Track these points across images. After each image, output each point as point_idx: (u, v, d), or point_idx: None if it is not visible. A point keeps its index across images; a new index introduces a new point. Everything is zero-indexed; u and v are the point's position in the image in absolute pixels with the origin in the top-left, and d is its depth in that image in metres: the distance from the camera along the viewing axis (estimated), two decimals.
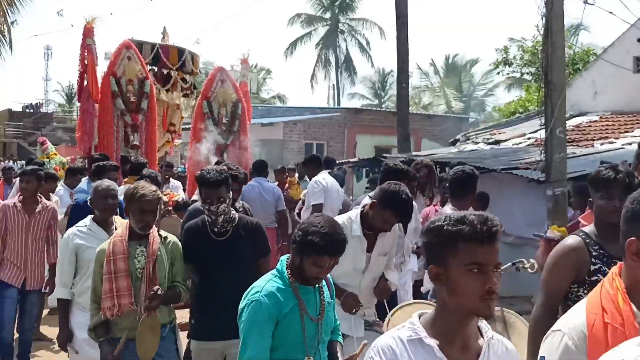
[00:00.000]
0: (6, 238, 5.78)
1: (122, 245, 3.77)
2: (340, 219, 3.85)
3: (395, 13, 15.41)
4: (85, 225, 4.33)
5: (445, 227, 1.79)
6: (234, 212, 4.15)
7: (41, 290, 6.01)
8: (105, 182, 4.48)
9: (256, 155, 11.93)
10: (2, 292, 5.81)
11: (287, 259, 3.02)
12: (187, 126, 15.96)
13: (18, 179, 10.05)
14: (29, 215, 5.81)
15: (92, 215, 4.42)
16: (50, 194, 7.26)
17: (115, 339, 3.77)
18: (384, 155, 14.12)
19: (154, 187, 3.89)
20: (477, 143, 14.04)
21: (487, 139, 13.99)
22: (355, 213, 4.10)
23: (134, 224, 3.80)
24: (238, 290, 3.16)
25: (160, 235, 3.92)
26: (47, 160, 10.26)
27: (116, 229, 4.31)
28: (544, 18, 7.57)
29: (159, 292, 3.69)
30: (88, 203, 4.69)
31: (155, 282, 3.74)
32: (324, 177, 7.47)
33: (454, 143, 15.61)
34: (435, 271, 1.83)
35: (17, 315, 5.99)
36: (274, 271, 3.05)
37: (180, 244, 4.05)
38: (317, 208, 7.04)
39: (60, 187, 7.74)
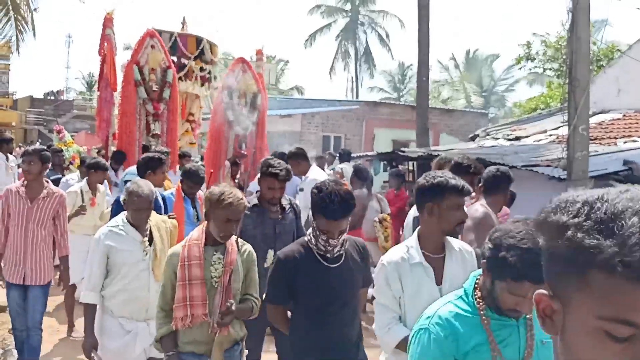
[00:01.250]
0: (8, 227, 5.28)
1: (199, 251, 3.42)
2: (398, 252, 3.07)
3: (417, 4, 15.28)
4: (118, 225, 4.12)
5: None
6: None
7: (45, 286, 5.44)
8: (142, 188, 4.08)
9: (273, 147, 11.93)
10: (8, 291, 5.44)
11: (479, 275, 2.26)
12: (206, 116, 16.03)
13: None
14: (32, 201, 5.25)
15: (126, 213, 4.19)
16: (99, 184, 7.08)
17: (184, 353, 3.43)
18: (402, 149, 14.04)
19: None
20: (497, 139, 13.93)
21: (508, 135, 13.88)
22: (411, 239, 3.13)
23: (215, 232, 3.43)
24: (352, 326, 3.12)
25: (236, 243, 3.60)
26: (65, 148, 10.32)
27: (151, 230, 4.19)
28: (570, 13, 7.47)
29: (233, 308, 3.36)
30: (121, 201, 4.39)
31: (230, 293, 3.44)
32: (315, 176, 6.78)
33: (473, 138, 15.50)
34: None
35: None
36: (458, 290, 2.31)
37: (254, 253, 3.68)
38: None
39: (75, 176, 7.74)
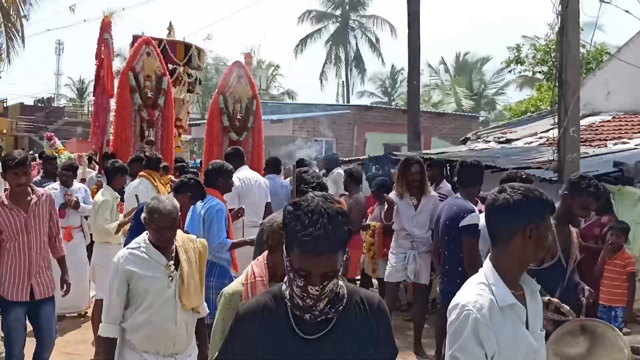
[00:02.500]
0: (4, 243, 4.77)
1: (264, 289, 2.73)
2: (480, 293, 2.34)
3: (407, 9, 15.37)
4: (139, 247, 3.65)
5: None
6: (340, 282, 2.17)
7: (53, 297, 5.10)
8: (164, 204, 3.62)
9: (265, 152, 11.96)
10: (6, 314, 4.87)
11: None
12: (194, 122, 16.05)
13: (33, 171, 10.15)
14: (26, 211, 4.80)
15: (148, 234, 3.71)
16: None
17: None
18: (394, 152, 14.11)
19: None
20: (488, 142, 14.03)
21: (499, 138, 13.98)
22: (487, 273, 2.41)
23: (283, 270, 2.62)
24: None
25: None
26: (57, 154, 10.29)
27: (177, 251, 3.72)
28: (559, 16, 7.56)
29: None
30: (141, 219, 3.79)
31: None
32: (239, 176, 6.75)
33: (464, 141, 15.59)
34: None
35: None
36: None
37: None
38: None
39: (57, 185, 7.70)
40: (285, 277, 2.13)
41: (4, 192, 4.89)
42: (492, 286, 2.34)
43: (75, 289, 7.42)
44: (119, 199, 6.73)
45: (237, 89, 9.97)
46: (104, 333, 3.66)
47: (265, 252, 3.00)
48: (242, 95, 10.04)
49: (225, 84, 10.01)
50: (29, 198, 4.83)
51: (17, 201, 4.78)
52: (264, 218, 7.43)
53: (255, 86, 10.68)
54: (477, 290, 2.34)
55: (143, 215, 3.66)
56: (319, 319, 2.06)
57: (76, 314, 7.81)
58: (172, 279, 3.65)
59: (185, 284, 3.68)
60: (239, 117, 10.01)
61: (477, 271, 2.47)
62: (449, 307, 2.38)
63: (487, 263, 2.44)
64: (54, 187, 7.35)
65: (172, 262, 3.66)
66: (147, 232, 3.70)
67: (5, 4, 14.59)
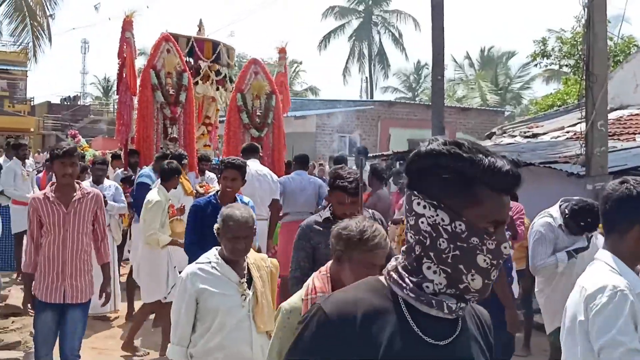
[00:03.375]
0: (42, 240, 4.57)
1: None
2: (613, 277, 2.30)
3: (430, 3, 15.23)
4: (209, 262, 3.36)
5: None
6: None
7: (85, 305, 4.76)
8: (240, 211, 3.37)
9: (289, 148, 11.97)
10: (38, 315, 4.65)
11: None
12: (223, 119, 16.12)
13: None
14: (67, 206, 4.57)
15: (219, 248, 3.42)
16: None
17: None
18: None
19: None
20: (514, 136, 13.85)
21: (525, 133, 13.79)
22: (611, 261, 2.38)
23: (351, 281, 2.46)
24: None
25: None
26: (82, 152, 10.36)
27: (249, 268, 3.43)
28: (585, 8, 7.42)
29: None
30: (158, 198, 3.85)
31: None
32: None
33: (489, 136, 15.42)
34: None
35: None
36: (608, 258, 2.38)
37: None
38: None
39: (88, 183, 7.73)
40: (404, 264, 1.49)
41: (51, 185, 4.69)
42: (621, 274, 2.30)
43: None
44: (170, 201, 6.56)
45: (255, 85, 9.98)
46: (172, 356, 3.39)
47: (329, 263, 2.70)
48: (260, 92, 10.05)
49: (242, 81, 10.02)
50: (74, 194, 4.62)
51: (60, 195, 4.58)
52: (271, 214, 7.49)
53: (278, 80, 10.67)
54: (615, 276, 2.30)
55: (216, 225, 3.38)
56: (453, 315, 1.46)
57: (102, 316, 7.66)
58: (245, 298, 3.34)
59: (259, 303, 3.37)
60: (258, 113, 10.03)
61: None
62: (590, 292, 2.29)
63: (605, 252, 2.42)
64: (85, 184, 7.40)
65: (244, 279, 3.37)
66: (216, 247, 3.42)
67: (31, 3, 14.74)
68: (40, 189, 10.19)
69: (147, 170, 7.73)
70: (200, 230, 4.83)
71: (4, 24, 18.57)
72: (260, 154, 9.88)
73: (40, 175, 11.16)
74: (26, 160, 9.98)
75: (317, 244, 3.78)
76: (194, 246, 4.79)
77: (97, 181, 7.61)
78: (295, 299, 2.72)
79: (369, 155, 12.22)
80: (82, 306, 4.69)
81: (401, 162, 14.34)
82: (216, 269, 3.33)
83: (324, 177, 10.68)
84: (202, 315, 3.32)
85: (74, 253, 4.60)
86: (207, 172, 9.60)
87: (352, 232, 2.59)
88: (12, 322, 7.43)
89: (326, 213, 3.95)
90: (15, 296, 8.05)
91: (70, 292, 4.58)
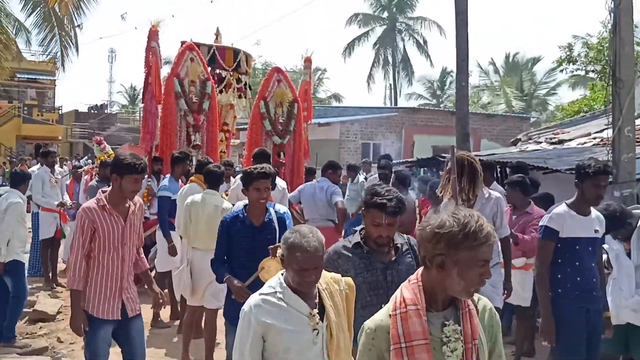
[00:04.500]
0: (94, 254, 4.25)
1: (420, 322, 2.14)
2: None
3: (454, 9, 15.19)
4: (275, 292, 2.89)
5: None
6: None
7: (141, 313, 4.63)
8: (308, 239, 2.84)
9: (312, 155, 12.00)
10: (94, 333, 4.31)
11: None
12: (241, 126, 16.21)
13: (87, 176, 10.40)
14: (124, 219, 4.32)
15: (284, 273, 2.95)
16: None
17: None
18: (443, 155, 13.93)
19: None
20: (540, 143, 13.71)
21: (550, 139, 13.64)
22: None
23: (457, 285, 2.15)
24: None
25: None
26: (109, 158, 10.45)
27: (320, 296, 2.95)
28: (611, 13, 7.34)
29: None
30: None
31: None
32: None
33: (515, 143, 15.30)
34: None
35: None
36: None
37: (495, 312, 2.37)
38: None
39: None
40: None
41: (102, 193, 4.35)
42: None
43: None
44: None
45: (278, 93, 10.05)
46: None
47: (420, 270, 2.27)
48: (282, 100, 10.10)
49: (265, 89, 10.09)
50: (127, 205, 4.35)
51: (117, 208, 4.29)
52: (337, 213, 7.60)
53: (303, 88, 10.73)
54: None
55: (280, 252, 2.95)
56: None
57: None
58: (317, 332, 2.89)
59: (334, 337, 2.92)
60: (280, 120, 10.09)
61: None
62: None
63: None
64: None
65: (316, 310, 2.90)
66: (282, 272, 2.97)
67: (59, 14, 14.97)
68: (69, 197, 10.35)
69: (165, 181, 7.70)
70: (228, 248, 4.62)
71: (33, 34, 18.93)
72: (282, 160, 9.94)
73: (68, 182, 11.31)
74: (55, 168, 10.11)
75: (345, 272, 3.38)
76: (219, 265, 4.66)
77: None
78: (380, 316, 2.28)
79: (392, 162, 12.20)
80: (140, 316, 4.56)
81: (425, 168, 14.28)
82: (282, 300, 2.86)
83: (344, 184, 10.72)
84: (270, 354, 2.89)
85: (130, 267, 4.45)
86: (232, 178, 9.66)
87: (454, 229, 2.10)
88: (40, 327, 7.54)
89: (356, 237, 3.58)
90: (43, 302, 8.17)
91: (129, 305, 4.41)
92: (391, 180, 8.49)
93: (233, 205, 5.43)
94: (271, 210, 4.73)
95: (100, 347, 4.31)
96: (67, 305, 8.46)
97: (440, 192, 5.37)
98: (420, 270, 2.27)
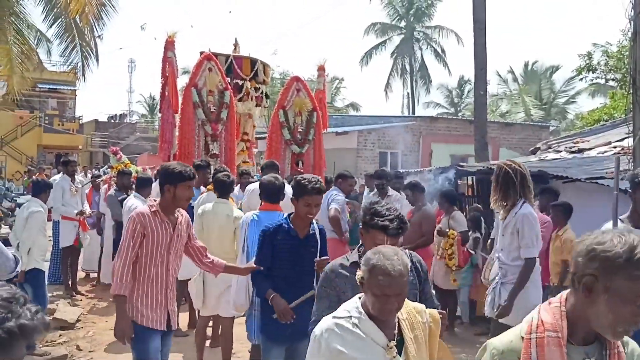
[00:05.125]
0: (141, 260, 4.16)
1: (560, 352, 1.86)
2: None
3: (472, 18, 15.16)
4: (350, 317, 2.61)
5: None
6: None
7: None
8: (392, 262, 2.50)
9: (330, 164, 12.00)
10: (145, 343, 4.19)
11: None
12: (260, 135, 16.27)
13: (106, 185, 10.47)
14: (173, 227, 4.29)
15: (362, 297, 2.66)
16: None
17: None
18: (461, 164, 13.88)
19: None
20: (559, 152, 13.60)
21: (570, 148, 13.53)
22: None
23: (605, 324, 1.84)
24: None
25: None
26: (126, 168, 10.52)
27: (399, 326, 2.66)
28: (631, 21, 7.28)
29: None
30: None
31: None
32: (250, 187, 7.00)
33: (534, 152, 15.19)
34: None
35: None
36: None
37: None
38: None
39: (134, 197, 7.85)
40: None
41: (154, 201, 4.34)
42: None
43: None
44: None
45: (297, 102, 10.08)
46: None
47: (564, 293, 1.97)
48: (302, 109, 10.14)
49: (284, 98, 10.14)
50: (176, 215, 4.33)
51: (169, 216, 4.26)
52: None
53: (317, 97, 10.76)
54: None
55: (360, 274, 2.60)
56: None
57: None
58: None
59: None
60: (299, 130, 10.12)
61: None
62: None
63: None
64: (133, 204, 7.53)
65: (394, 342, 2.61)
66: (359, 295, 2.69)
67: (80, 24, 15.15)
68: (89, 206, 10.44)
69: None
70: (271, 260, 4.36)
71: (54, 45, 19.17)
72: (301, 169, 9.96)
73: (87, 191, 11.42)
74: (76, 176, 10.21)
75: (344, 292, 3.18)
76: (262, 279, 4.40)
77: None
78: (510, 337, 1.99)
79: (406, 172, 12.15)
80: (171, 333, 4.48)
81: (446, 177, 14.22)
82: (358, 327, 2.59)
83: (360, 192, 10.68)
84: None
85: (174, 277, 4.38)
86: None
87: (616, 250, 1.77)
88: (60, 335, 7.59)
89: (354, 255, 3.33)
90: (63, 310, 8.23)
91: (173, 318, 4.34)
92: (407, 191, 8.42)
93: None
94: (314, 222, 4.52)
95: (152, 358, 4.20)
96: (87, 313, 8.54)
97: (492, 205, 5.15)
98: (564, 293, 1.97)
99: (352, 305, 2.65)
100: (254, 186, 6.86)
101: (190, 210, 7.10)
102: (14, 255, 4.42)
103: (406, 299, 2.67)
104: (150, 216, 4.16)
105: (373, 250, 2.60)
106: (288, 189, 7.33)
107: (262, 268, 4.37)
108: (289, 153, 9.76)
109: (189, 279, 7.34)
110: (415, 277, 3.32)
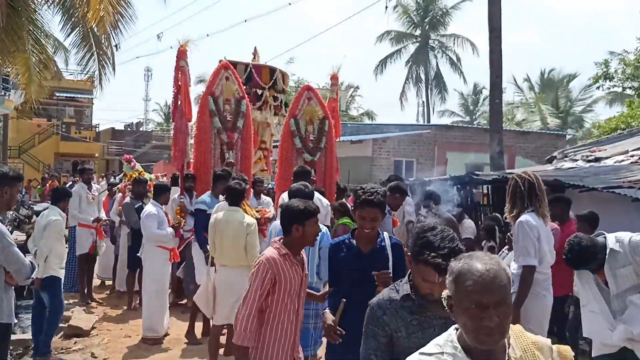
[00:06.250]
0: (271, 307, 3.85)
1: None
2: None
3: (488, 27, 15.13)
4: (442, 354, 2.03)
5: None
6: None
7: None
8: (481, 267, 1.94)
9: (344, 173, 11.99)
10: None
11: None
12: (277, 144, 16.32)
13: (120, 194, 10.53)
14: (302, 267, 3.99)
15: (457, 328, 2.07)
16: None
17: None
18: (476, 172, 13.81)
19: None
20: (576, 160, 13.49)
21: (587, 157, 13.42)
22: None
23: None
24: None
25: None
26: (141, 176, 10.59)
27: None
28: None
29: None
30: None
31: None
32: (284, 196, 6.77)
33: (550, 160, 15.08)
34: None
35: None
36: None
37: None
38: None
39: (153, 207, 7.90)
40: None
41: (279, 242, 3.96)
42: None
43: (159, 313, 7.64)
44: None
45: (308, 111, 10.10)
46: None
47: None
48: (313, 117, 10.14)
49: (295, 107, 10.15)
50: (301, 255, 4.02)
51: (295, 257, 3.95)
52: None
53: (329, 106, 10.75)
54: None
55: (446, 292, 2.05)
56: None
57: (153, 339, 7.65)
58: None
59: None
60: (311, 138, 10.12)
61: None
62: None
63: None
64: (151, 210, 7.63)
65: None
66: (455, 326, 2.09)
67: (97, 33, 15.29)
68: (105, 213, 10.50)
69: (205, 196, 7.88)
70: (335, 276, 4.08)
71: (71, 53, 19.36)
72: (313, 177, 9.95)
73: (104, 199, 11.48)
74: (92, 184, 10.29)
75: (395, 332, 2.75)
76: (331, 297, 4.05)
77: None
78: None
79: (423, 180, 12.11)
80: None
81: (458, 186, 14.17)
82: None
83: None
84: None
85: (300, 320, 4.06)
86: (262, 195, 9.71)
87: None
88: (75, 342, 7.62)
89: (404, 287, 2.86)
90: (78, 317, 8.27)
91: None
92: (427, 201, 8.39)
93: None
94: (385, 235, 4.11)
95: None
96: (102, 320, 8.57)
97: (506, 215, 5.14)
98: None
99: (445, 339, 2.08)
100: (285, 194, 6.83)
101: (207, 216, 7.21)
102: (31, 262, 4.46)
103: (521, 329, 2.14)
104: (281, 260, 3.82)
105: (460, 258, 2.07)
106: (322, 199, 7.34)
107: (334, 289, 4.04)
108: (301, 161, 9.75)
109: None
110: None
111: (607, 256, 4.37)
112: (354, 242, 4.04)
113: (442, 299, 2.09)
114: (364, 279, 3.85)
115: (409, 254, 2.81)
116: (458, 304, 1.98)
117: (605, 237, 4.48)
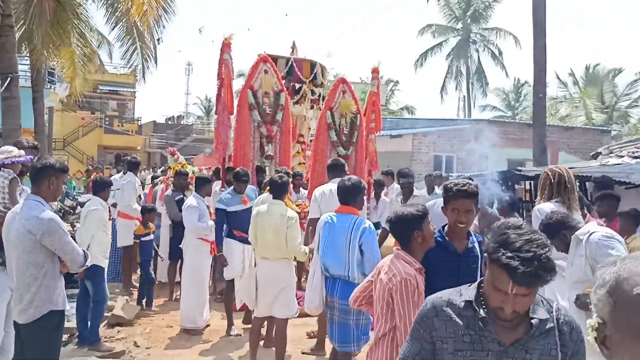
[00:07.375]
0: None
1: None
2: None
3: (532, 20, 14.85)
4: None
5: None
6: None
7: None
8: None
9: (383, 167, 11.90)
10: None
11: None
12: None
13: (163, 185, 10.68)
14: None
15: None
16: None
17: None
18: (518, 168, 13.60)
19: None
20: (622, 157, 13.16)
21: (633, 153, 13.08)
22: None
23: None
24: None
25: None
26: (183, 169, 10.70)
27: None
28: None
29: None
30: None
31: None
32: (323, 189, 6.79)
33: (595, 156, 14.76)
34: None
35: None
36: None
37: None
38: (311, 223, 6.66)
39: (193, 197, 7.97)
40: None
41: (401, 252, 3.69)
42: None
43: (198, 304, 7.72)
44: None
45: (343, 104, 10.06)
46: None
47: None
48: (347, 111, 10.10)
49: (332, 99, 10.11)
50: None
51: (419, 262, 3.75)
52: None
53: (371, 99, 10.68)
54: None
55: (593, 322, 1.44)
56: None
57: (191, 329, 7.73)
58: None
59: None
60: (345, 131, 10.08)
61: None
62: None
63: None
64: (192, 203, 7.73)
65: None
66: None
67: (140, 27, 15.53)
68: None
69: (224, 194, 7.80)
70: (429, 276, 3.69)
71: (115, 47, 19.72)
72: (347, 171, 9.91)
73: (147, 190, 11.66)
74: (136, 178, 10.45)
75: (440, 341, 2.33)
76: None
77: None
78: None
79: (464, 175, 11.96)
80: None
81: (500, 182, 13.96)
82: None
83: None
84: None
85: None
86: (301, 189, 9.73)
87: None
88: (118, 331, 7.76)
89: (470, 292, 2.36)
90: (121, 307, 8.42)
91: None
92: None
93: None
94: (472, 234, 3.78)
95: None
96: (145, 310, 8.70)
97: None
98: None
99: None
100: (326, 188, 6.81)
101: (223, 217, 7.30)
102: (84, 251, 4.54)
103: None
104: (417, 274, 3.52)
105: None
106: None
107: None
108: (335, 154, 9.70)
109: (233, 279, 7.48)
110: (558, 347, 2.26)
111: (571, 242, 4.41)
112: (447, 238, 3.68)
113: (589, 331, 1.46)
114: (458, 281, 2.94)
115: (485, 254, 2.29)
116: (623, 329, 1.31)
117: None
